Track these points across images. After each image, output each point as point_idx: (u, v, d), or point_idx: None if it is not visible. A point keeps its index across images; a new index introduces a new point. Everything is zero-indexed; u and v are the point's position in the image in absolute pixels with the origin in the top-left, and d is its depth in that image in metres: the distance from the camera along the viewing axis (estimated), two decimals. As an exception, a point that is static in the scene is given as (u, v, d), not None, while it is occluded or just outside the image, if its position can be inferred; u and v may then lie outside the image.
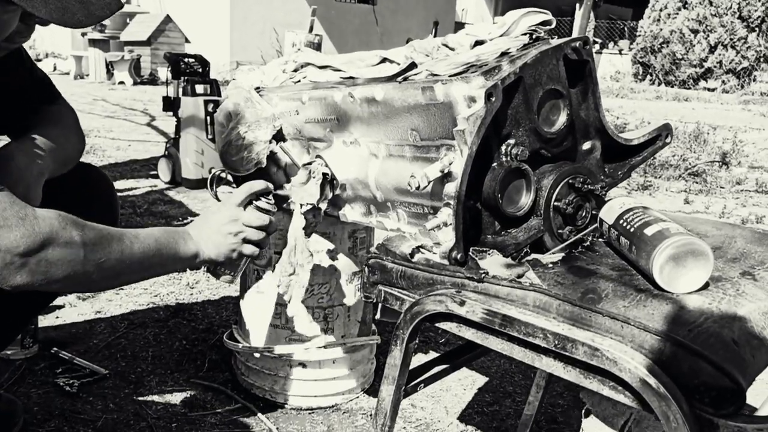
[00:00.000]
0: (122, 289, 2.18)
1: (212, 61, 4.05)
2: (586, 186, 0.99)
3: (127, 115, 6.69)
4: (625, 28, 20.28)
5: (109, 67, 10.49)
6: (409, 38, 1.53)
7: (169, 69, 3.67)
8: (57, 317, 1.95)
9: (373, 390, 1.68)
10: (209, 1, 12.25)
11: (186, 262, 1.10)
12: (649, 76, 16.09)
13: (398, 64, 1.09)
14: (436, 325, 0.92)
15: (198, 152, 3.57)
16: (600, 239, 0.99)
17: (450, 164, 0.93)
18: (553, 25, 1.03)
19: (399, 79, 1.04)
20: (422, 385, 1.06)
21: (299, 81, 1.33)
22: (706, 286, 0.82)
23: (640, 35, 16.54)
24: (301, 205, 1.25)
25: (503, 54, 0.97)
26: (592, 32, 18.25)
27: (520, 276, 0.87)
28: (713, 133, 6.86)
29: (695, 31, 15.25)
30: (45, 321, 1.91)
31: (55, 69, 12.08)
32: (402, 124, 1.05)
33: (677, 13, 15.59)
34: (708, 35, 15.08)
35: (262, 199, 1.17)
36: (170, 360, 1.76)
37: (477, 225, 0.96)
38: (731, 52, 14.87)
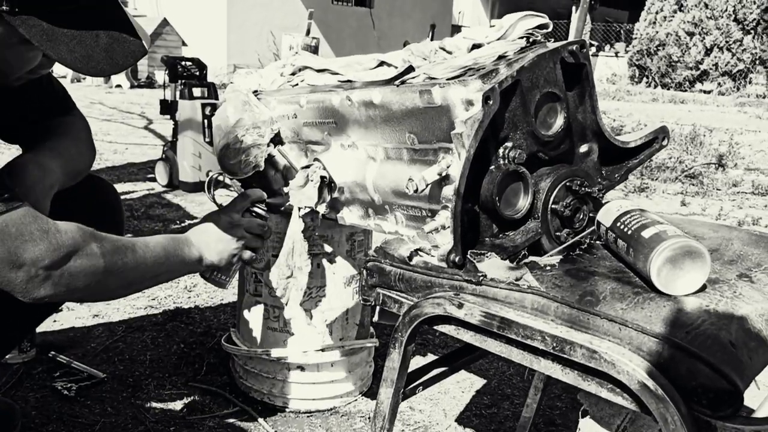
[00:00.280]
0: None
1: (209, 65, 4.06)
2: (583, 189, 0.99)
3: (125, 118, 6.68)
4: (621, 31, 20.33)
5: (106, 70, 10.45)
6: (406, 41, 1.54)
7: (167, 72, 3.67)
8: (55, 321, 1.95)
9: (371, 393, 1.68)
10: (206, 5, 12.25)
11: (190, 267, 1.14)
12: (645, 79, 16.13)
13: (396, 67, 1.09)
14: (435, 327, 0.92)
15: (195, 155, 3.57)
16: (597, 242, 1.00)
17: (448, 167, 0.94)
18: (549, 29, 1.03)
19: (397, 82, 1.04)
20: (421, 387, 1.07)
21: (297, 84, 1.34)
22: (703, 289, 0.82)
23: (636, 38, 16.59)
24: (299, 209, 1.26)
25: (500, 57, 0.97)
26: (589, 35, 18.31)
27: (518, 278, 0.87)
28: (709, 136, 6.88)
29: (691, 34, 15.30)
30: (43, 325, 1.90)
31: (52, 72, 12.04)
32: (400, 128, 1.05)
33: (673, 16, 15.65)
34: (704, 38, 15.13)
35: (257, 206, 1.23)
36: (168, 363, 1.76)
37: (475, 228, 0.96)
38: (727, 55, 14.92)
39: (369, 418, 1.57)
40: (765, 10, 14.35)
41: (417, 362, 1.57)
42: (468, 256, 0.92)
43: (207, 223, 1.18)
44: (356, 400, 1.65)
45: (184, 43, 10.78)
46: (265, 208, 1.25)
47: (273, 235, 1.49)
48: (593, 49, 17.98)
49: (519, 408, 1.62)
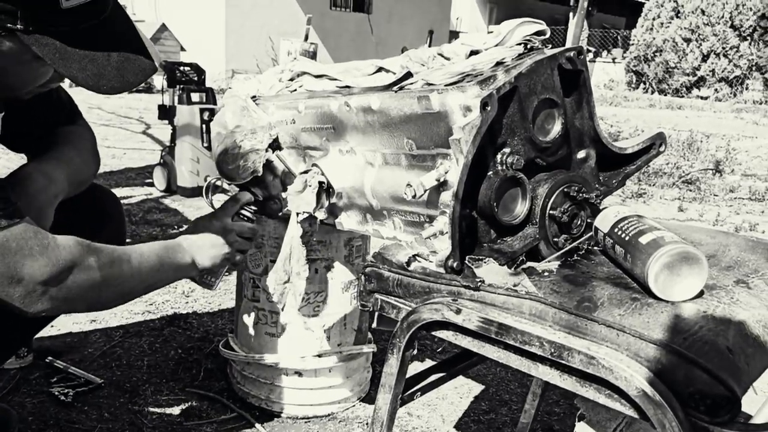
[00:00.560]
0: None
1: (208, 70, 4.06)
2: (581, 194, 0.99)
3: (123, 123, 6.68)
4: (619, 37, 20.41)
5: (105, 75, 10.46)
6: (405, 47, 1.54)
7: (165, 77, 3.67)
8: (52, 326, 1.94)
9: (369, 398, 1.68)
10: (205, 10, 12.27)
11: (184, 273, 1.15)
12: (642, 85, 16.19)
13: (394, 73, 1.09)
14: (433, 333, 0.92)
15: (193, 160, 3.57)
16: (595, 247, 1.00)
17: (446, 173, 0.94)
18: (547, 35, 1.04)
19: (395, 88, 1.04)
20: (419, 393, 1.06)
21: (295, 90, 1.34)
22: (700, 295, 0.82)
23: (633, 44, 16.66)
24: (297, 214, 1.26)
25: (498, 63, 0.97)
26: (586, 41, 18.38)
27: (516, 284, 0.87)
28: (706, 141, 6.90)
29: (688, 40, 15.37)
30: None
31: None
32: (398, 133, 1.06)
33: (670, 22, 15.72)
34: (701, 44, 15.20)
35: (245, 209, 1.26)
36: (166, 369, 1.75)
37: (473, 233, 0.97)
38: (724, 61, 14.98)
39: (367, 424, 1.57)
40: (761, 17, 14.42)
41: (415, 368, 1.57)
42: (466, 261, 0.92)
43: (199, 228, 1.20)
44: (354, 406, 1.65)
45: (182, 48, 10.79)
46: (253, 210, 1.27)
47: (271, 240, 1.49)
48: (590, 55, 18.06)
49: (517, 414, 1.61)
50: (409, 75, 1.05)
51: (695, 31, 15.20)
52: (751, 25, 14.61)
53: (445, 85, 0.95)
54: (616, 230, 0.91)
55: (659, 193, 4.70)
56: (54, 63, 0.85)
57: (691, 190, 4.79)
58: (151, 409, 1.56)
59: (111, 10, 0.90)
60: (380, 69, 1.15)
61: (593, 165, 1.09)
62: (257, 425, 1.53)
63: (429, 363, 1.86)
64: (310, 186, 1.22)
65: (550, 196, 0.98)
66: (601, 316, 0.77)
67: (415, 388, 1.06)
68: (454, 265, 0.90)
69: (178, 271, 1.14)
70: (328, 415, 1.59)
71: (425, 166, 1.02)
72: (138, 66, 0.91)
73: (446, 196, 0.91)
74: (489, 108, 0.88)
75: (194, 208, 3.44)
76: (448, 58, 1.06)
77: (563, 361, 0.76)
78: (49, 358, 1.73)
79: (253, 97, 1.39)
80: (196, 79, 3.66)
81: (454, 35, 17.07)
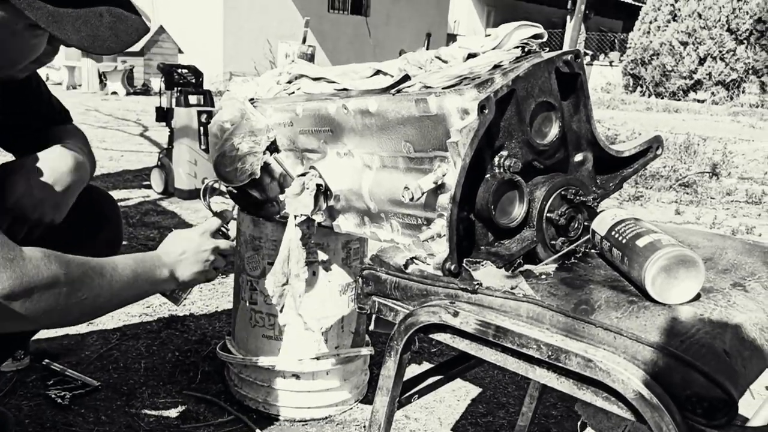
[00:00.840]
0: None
1: (205, 72, 4.06)
2: (578, 197, 1.00)
3: (120, 125, 6.67)
4: (616, 40, 20.47)
5: (102, 77, 10.48)
6: (402, 50, 1.55)
7: (163, 79, 3.67)
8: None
9: (366, 401, 1.68)
10: (202, 12, 12.28)
11: (160, 287, 1.14)
12: (639, 88, 16.23)
13: (392, 76, 1.09)
14: (430, 336, 0.92)
15: (191, 163, 3.57)
16: (592, 250, 1.00)
17: (443, 176, 0.94)
18: (544, 39, 1.04)
19: (393, 91, 1.04)
20: (416, 396, 1.06)
21: (293, 92, 1.34)
22: (697, 297, 0.83)
23: (630, 47, 16.71)
24: (295, 216, 1.26)
25: (496, 67, 0.98)
26: (583, 44, 18.43)
27: (513, 287, 0.87)
28: (703, 145, 6.92)
29: (685, 44, 15.42)
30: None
31: (47, 79, 12.05)
32: (396, 136, 1.06)
33: (667, 26, 15.77)
34: (697, 47, 15.25)
35: (224, 227, 1.27)
36: (163, 371, 1.75)
37: (470, 236, 0.97)
38: (720, 64, 15.04)
39: (364, 426, 1.57)
40: (758, 21, 14.48)
41: (412, 370, 1.57)
42: (463, 264, 0.92)
43: (182, 242, 1.18)
44: (351, 408, 1.64)
45: (180, 51, 10.79)
46: (228, 228, 1.28)
47: (269, 242, 1.49)
48: (588, 59, 18.11)
49: (514, 416, 1.61)
50: (406, 78, 1.05)
51: (692, 34, 15.25)
52: (747, 29, 14.67)
53: (443, 88, 0.95)
54: (613, 233, 0.91)
55: (656, 196, 4.71)
56: (48, 26, 0.84)
57: (688, 193, 4.80)
58: (148, 412, 1.56)
59: None
60: (378, 72, 1.15)
61: (590, 168, 1.09)
62: (255, 428, 1.52)
63: (426, 366, 1.86)
64: (307, 189, 1.22)
65: (548, 199, 0.98)
66: (599, 319, 0.78)
67: (412, 391, 1.06)
68: (452, 267, 0.90)
69: (155, 285, 1.12)
70: (326, 417, 1.59)
71: (423, 168, 1.03)
72: (131, 25, 0.92)
73: (444, 199, 0.91)
74: (486, 111, 0.88)
75: (192, 211, 3.44)
76: (445, 61, 1.06)
77: (560, 364, 0.76)
78: (46, 360, 1.72)
79: (251, 100, 1.39)
80: (193, 81, 3.66)
81: (451, 38, 17.10)
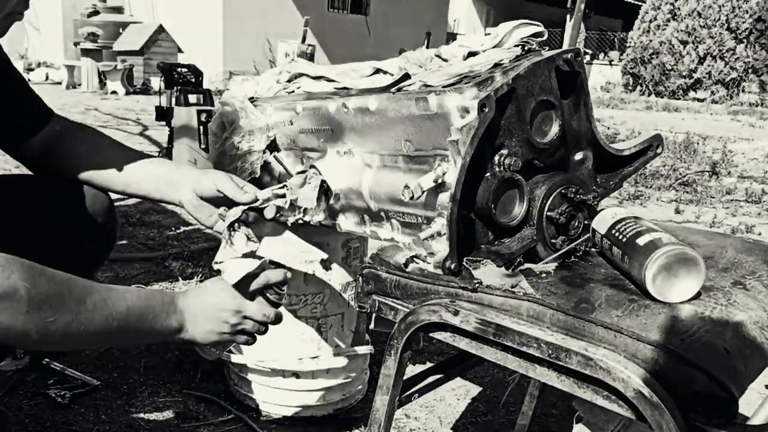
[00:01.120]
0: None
1: (205, 71, 4.06)
2: (578, 196, 1.00)
3: (120, 124, 6.67)
4: (615, 40, 20.47)
5: (102, 76, 10.48)
6: (402, 49, 1.54)
7: (162, 79, 3.67)
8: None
9: (366, 400, 1.68)
10: (202, 12, 12.27)
11: (163, 337, 0.98)
12: (639, 87, 16.23)
13: (392, 75, 1.09)
14: (431, 334, 0.92)
15: (191, 162, 3.57)
16: (592, 249, 1.00)
17: (444, 174, 0.94)
18: (544, 37, 1.04)
19: (393, 89, 1.04)
20: (416, 395, 1.06)
21: (293, 91, 1.34)
22: (697, 296, 0.83)
23: (630, 46, 16.71)
24: (300, 210, 1.23)
25: (496, 65, 0.98)
26: (583, 43, 18.43)
27: (513, 286, 0.87)
28: (703, 144, 6.92)
29: (684, 43, 15.42)
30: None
31: (47, 78, 12.05)
32: (396, 135, 1.06)
33: (666, 25, 15.77)
34: (697, 46, 15.25)
35: (274, 289, 1.05)
36: (163, 370, 1.75)
37: (470, 235, 0.97)
38: (720, 63, 15.04)
39: (364, 425, 1.57)
40: (757, 20, 14.48)
41: (412, 369, 1.57)
42: (464, 263, 0.92)
43: (205, 294, 1.01)
44: (352, 407, 1.64)
45: (180, 50, 10.79)
46: (284, 291, 1.06)
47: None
48: (588, 58, 18.11)
49: (514, 415, 1.61)
50: (406, 76, 1.05)
51: (692, 33, 15.25)
52: (747, 28, 14.67)
53: (443, 87, 0.95)
54: (613, 232, 0.91)
55: (656, 195, 4.71)
56: None
57: (687, 192, 4.80)
58: (148, 411, 1.56)
59: None
60: (378, 71, 1.15)
61: (590, 167, 1.09)
62: (255, 426, 1.52)
63: (427, 364, 1.86)
64: (309, 183, 1.22)
65: (548, 198, 0.98)
66: (599, 318, 0.78)
67: (412, 390, 1.05)
68: (452, 266, 0.90)
69: (155, 332, 0.95)
70: (326, 416, 1.59)
71: (423, 167, 1.02)
72: None
73: (444, 198, 0.91)
74: (486, 109, 0.88)
75: (191, 210, 3.43)
76: (445, 60, 1.06)
77: (561, 363, 0.76)
78: (46, 359, 1.72)
79: (251, 99, 1.39)
80: (193, 80, 3.66)
81: (451, 37, 17.10)
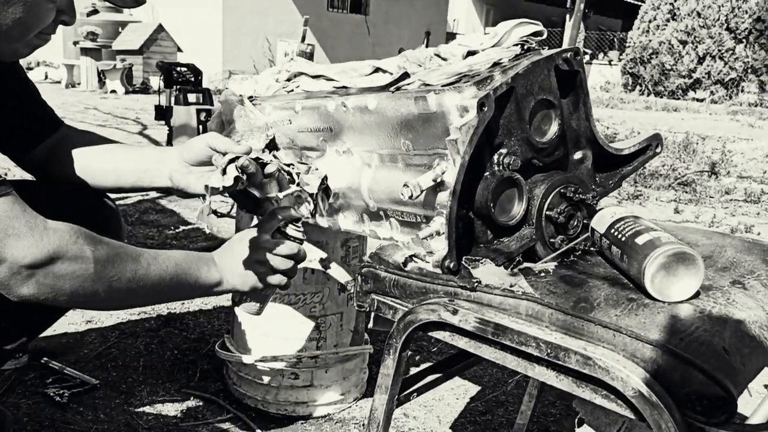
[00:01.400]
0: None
1: (205, 71, 4.06)
2: (577, 195, 1.00)
3: (119, 123, 6.67)
4: (615, 39, 20.48)
5: (101, 75, 10.48)
6: (402, 48, 1.54)
7: (162, 78, 3.67)
8: (47, 327, 1.94)
9: (365, 399, 1.68)
10: (202, 11, 12.27)
11: (206, 289, 1.05)
12: (638, 87, 16.24)
13: (391, 74, 1.09)
14: (429, 334, 0.92)
15: (190, 161, 3.56)
16: (592, 248, 1.00)
17: (443, 173, 0.94)
18: (544, 36, 1.04)
19: (392, 88, 1.04)
20: (415, 394, 1.06)
21: (292, 90, 1.34)
22: (696, 295, 0.83)
23: (629, 46, 16.73)
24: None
25: (495, 64, 0.98)
26: (582, 43, 18.43)
27: (512, 285, 0.87)
28: (702, 143, 6.92)
29: (684, 43, 15.43)
30: (35, 331, 1.89)
31: (46, 77, 12.05)
32: (395, 134, 1.06)
33: (666, 25, 15.78)
34: (696, 46, 15.26)
35: (291, 226, 1.09)
36: (162, 370, 1.75)
37: (469, 234, 0.97)
38: (719, 63, 15.05)
39: (363, 424, 1.57)
40: (757, 20, 14.49)
41: (411, 369, 1.57)
42: (463, 262, 0.92)
43: (234, 243, 1.09)
44: (350, 406, 1.64)
45: (179, 49, 10.78)
46: (301, 228, 1.10)
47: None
48: (587, 57, 18.12)
49: (513, 415, 1.61)
50: (406, 75, 1.05)
51: (691, 33, 15.26)
52: (746, 28, 14.68)
53: (442, 86, 0.95)
54: (612, 231, 0.91)
55: (655, 194, 4.72)
56: None
57: (687, 192, 4.81)
58: (147, 410, 1.56)
59: None
60: (377, 69, 1.15)
61: (590, 166, 1.09)
62: (253, 426, 1.52)
63: (425, 364, 1.86)
64: (314, 173, 1.21)
65: (547, 197, 0.98)
66: (598, 317, 0.77)
67: (411, 389, 1.05)
68: (451, 265, 0.90)
69: (199, 286, 1.03)
70: (325, 416, 1.59)
71: (422, 166, 1.02)
72: None
73: (443, 197, 0.91)
74: (486, 108, 0.88)
75: (191, 209, 3.43)
76: (445, 59, 1.06)
77: (560, 362, 0.76)
78: (45, 358, 1.72)
79: (250, 98, 1.39)
80: (192, 79, 3.67)
81: (450, 36, 17.11)
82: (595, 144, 1.08)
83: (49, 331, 1.89)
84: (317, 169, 1.21)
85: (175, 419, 1.53)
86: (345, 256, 1.54)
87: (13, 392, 1.58)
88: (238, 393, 1.62)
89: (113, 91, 10.04)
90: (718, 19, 14.91)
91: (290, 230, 1.08)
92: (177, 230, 3.03)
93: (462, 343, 0.89)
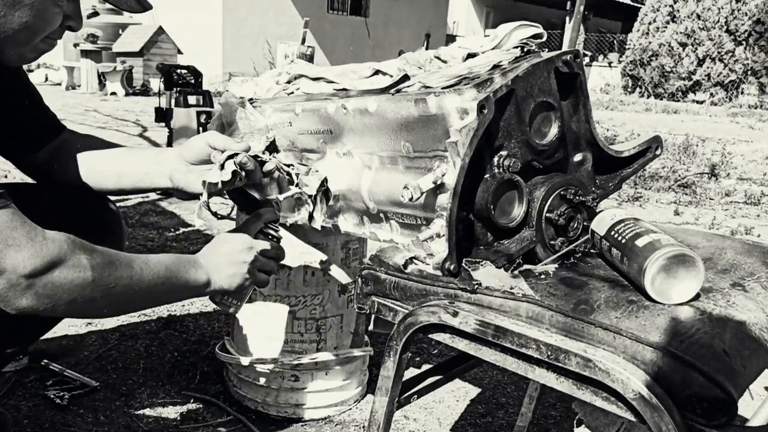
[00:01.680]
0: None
1: (205, 73, 4.06)
2: (577, 197, 1.00)
3: (119, 126, 6.67)
4: (615, 41, 20.51)
5: (101, 77, 10.49)
6: (402, 50, 1.54)
7: (162, 80, 3.67)
8: (47, 329, 1.93)
9: (365, 401, 1.68)
10: (202, 13, 12.28)
11: (196, 290, 1.07)
12: (638, 89, 16.25)
13: (391, 76, 1.09)
14: (430, 336, 0.92)
15: (190, 163, 3.56)
16: (592, 250, 1.00)
17: (443, 175, 0.94)
18: (544, 38, 1.04)
19: (392, 91, 1.04)
20: (415, 396, 1.06)
21: (292, 92, 1.34)
22: (697, 297, 0.83)
23: (629, 48, 16.74)
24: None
25: (495, 67, 0.98)
26: (582, 45, 18.46)
27: (513, 287, 0.87)
28: (702, 145, 6.92)
29: (683, 45, 15.44)
30: (35, 333, 1.89)
31: (46, 80, 12.05)
32: (395, 136, 1.06)
33: (666, 27, 15.80)
34: (696, 48, 15.28)
35: (270, 226, 1.15)
36: (162, 372, 1.75)
37: (470, 236, 0.97)
38: (719, 65, 15.06)
39: (363, 427, 1.57)
40: (756, 22, 14.51)
41: (412, 371, 1.57)
42: (463, 264, 0.92)
43: (217, 245, 1.10)
44: (351, 408, 1.64)
45: (179, 51, 10.79)
46: (278, 228, 1.17)
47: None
48: (587, 59, 18.15)
49: (513, 417, 1.61)
50: (406, 78, 1.05)
51: (691, 35, 15.28)
52: (746, 30, 14.70)
53: (442, 88, 0.95)
54: (612, 233, 0.91)
55: (655, 196, 4.72)
56: None
57: (687, 194, 4.81)
58: (147, 413, 1.56)
59: None
60: (377, 72, 1.15)
61: (590, 168, 1.09)
62: (253, 428, 1.52)
63: (426, 366, 1.86)
64: (314, 175, 1.21)
65: (547, 199, 0.98)
66: (598, 319, 0.77)
67: (411, 391, 1.05)
68: (451, 267, 0.90)
69: (189, 288, 1.05)
70: (325, 418, 1.59)
71: (422, 168, 1.02)
72: None
73: (443, 199, 0.91)
74: (486, 111, 0.88)
75: (191, 211, 3.43)
76: (445, 61, 1.06)
77: (560, 364, 0.76)
78: (45, 360, 1.72)
79: (251, 100, 1.39)
80: (193, 81, 3.66)
81: (450, 39, 17.12)
82: (595, 146, 1.08)
83: (49, 334, 1.89)
84: (317, 171, 1.21)
85: (175, 421, 1.53)
86: (345, 258, 1.54)
87: (14, 394, 1.58)
88: (238, 395, 1.62)
89: (113, 93, 10.04)
90: (718, 21, 14.92)
91: (270, 230, 1.14)
92: (177, 232, 3.03)
93: (462, 345, 0.89)
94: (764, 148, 7.20)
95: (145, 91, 10.42)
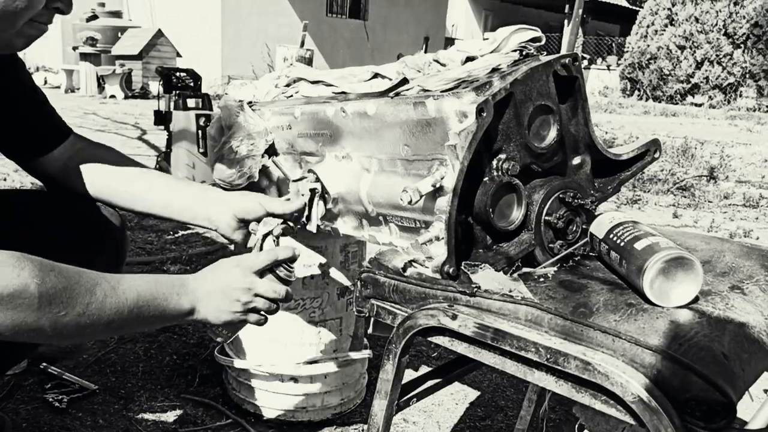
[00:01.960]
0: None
1: (204, 76, 4.06)
2: (576, 200, 1.00)
3: (118, 128, 6.67)
4: (613, 45, 20.55)
5: (100, 80, 10.50)
6: (401, 54, 1.54)
7: (161, 83, 3.67)
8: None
9: (365, 404, 1.67)
10: (201, 16, 12.30)
11: (174, 319, 0.98)
12: (636, 92, 16.28)
13: (390, 79, 1.09)
14: (429, 339, 0.92)
15: (189, 166, 3.57)
16: (590, 253, 1.00)
17: (442, 179, 0.94)
18: (542, 42, 1.04)
19: (391, 94, 1.05)
20: (414, 399, 1.06)
21: (291, 96, 1.34)
22: (695, 300, 0.83)
23: (627, 51, 16.78)
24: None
25: (494, 70, 0.98)
26: (581, 48, 18.49)
27: (511, 290, 0.87)
28: (701, 148, 6.94)
29: (682, 48, 15.48)
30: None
31: (45, 83, 12.05)
32: (394, 139, 1.06)
33: (664, 30, 15.83)
34: (694, 51, 15.31)
35: (284, 267, 1.04)
36: (161, 375, 1.75)
37: (469, 239, 0.97)
38: (717, 68, 15.10)
39: (363, 430, 1.57)
40: (754, 25, 14.54)
41: (411, 374, 1.57)
42: (462, 267, 0.92)
43: (218, 272, 1.01)
44: (350, 411, 1.64)
45: (178, 54, 10.80)
46: (292, 269, 1.05)
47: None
48: (585, 62, 18.18)
49: (513, 420, 1.61)
50: (405, 81, 1.05)
51: (689, 38, 15.32)
52: (744, 33, 14.73)
53: (441, 92, 0.95)
54: (611, 236, 0.92)
55: (654, 199, 4.72)
56: None
57: (685, 197, 4.81)
58: (146, 416, 1.55)
59: None
60: (376, 75, 1.15)
61: (588, 171, 1.09)
62: (252, 431, 1.52)
63: (425, 369, 1.86)
64: (302, 195, 1.22)
65: (546, 202, 0.98)
66: (597, 322, 0.78)
67: (411, 394, 1.05)
68: (450, 270, 0.90)
69: (165, 317, 0.95)
70: (324, 421, 1.59)
71: (421, 172, 1.03)
72: None
73: (442, 202, 0.91)
74: (485, 114, 0.88)
75: (190, 214, 3.43)
76: (443, 65, 1.06)
77: (559, 367, 0.76)
78: (44, 364, 1.72)
79: (250, 103, 1.39)
80: (192, 84, 3.67)
81: (449, 42, 17.16)
82: (594, 149, 1.08)
83: (47, 337, 1.89)
84: (310, 172, 1.22)
85: (174, 424, 1.53)
86: (344, 261, 1.54)
87: (12, 398, 1.58)
88: (237, 398, 1.62)
89: (112, 96, 10.05)
90: (716, 25, 14.96)
91: (282, 272, 1.04)
92: (176, 235, 3.03)
93: (461, 348, 0.89)
94: (762, 151, 7.21)
95: (144, 94, 10.43)
